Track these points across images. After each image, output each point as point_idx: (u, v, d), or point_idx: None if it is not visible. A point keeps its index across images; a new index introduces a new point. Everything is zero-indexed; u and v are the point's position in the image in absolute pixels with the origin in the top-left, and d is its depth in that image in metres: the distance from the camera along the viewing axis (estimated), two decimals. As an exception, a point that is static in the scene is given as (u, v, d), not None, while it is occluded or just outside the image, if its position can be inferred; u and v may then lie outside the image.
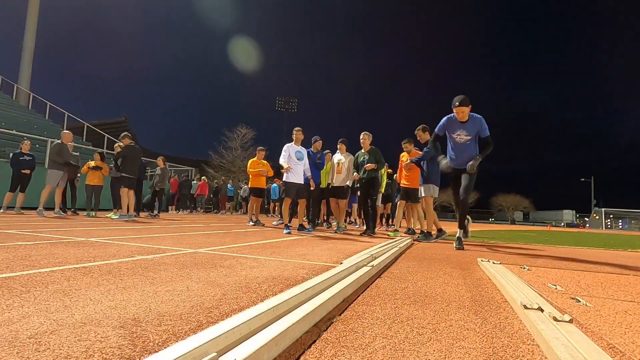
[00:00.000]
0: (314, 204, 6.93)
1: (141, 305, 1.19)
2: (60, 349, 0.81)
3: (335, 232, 5.83)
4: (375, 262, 2.29)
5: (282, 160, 5.39)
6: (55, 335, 0.89)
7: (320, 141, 6.50)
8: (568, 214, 60.46)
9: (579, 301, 1.65)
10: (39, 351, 0.80)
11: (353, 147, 6.56)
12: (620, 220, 44.95)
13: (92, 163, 8.05)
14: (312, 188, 5.94)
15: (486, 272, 2.33)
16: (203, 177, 16.03)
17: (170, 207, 14.31)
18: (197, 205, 15.05)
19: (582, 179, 49.24)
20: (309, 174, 5.72)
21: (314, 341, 0.98)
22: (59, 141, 7.35)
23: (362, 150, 5.90)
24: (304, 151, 5.66)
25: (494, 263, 2.56)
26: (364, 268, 2.05)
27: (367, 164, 5.66)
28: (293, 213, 7.50)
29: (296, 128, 5.67)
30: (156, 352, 0.79)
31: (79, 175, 8.32)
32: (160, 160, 9.64)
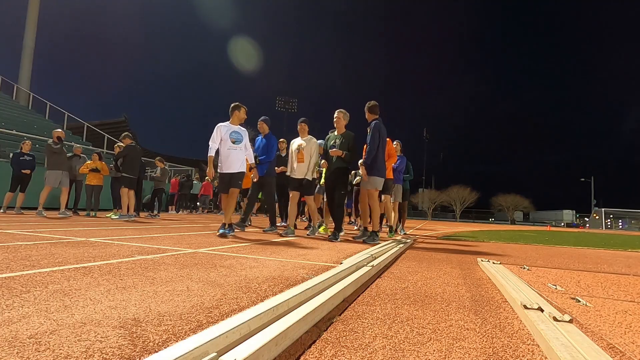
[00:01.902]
0: (262, 199, 5.67)
1: (141, 305, 1.19)
2: (60, 349, 0.81)
3: (308, 235, 4.76)
4: (375, 262, 2.29)
5: (211, 146, 4.21)
6: (55, 335, 0.89)
7: (264, 123, 5.33)
8: (568, 214, 60.46)
9: (579, 301, 1.65)
10: (39, 351, 0.80)
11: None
12: (620, 220, 44.93)
13: (90, 163, 8.05)
14: (255, 179, 4.96)
15: (486, 272, 2.33)
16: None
17: (170, 207, 14.30)
18: (198, 205, 15.03)
19: (582, 179, 49.29)
20: (252, 160, 4.61)
21: (314, 341, 0.98)
22: (53, 141, 7.26)
23: (335, 133, 4.66)
24: (243, 132, 4.44)
25: (494, 263, 2.56)
26: (364, 268, 2.05)
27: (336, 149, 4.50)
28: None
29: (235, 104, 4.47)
30: (156, 352, 0.79)
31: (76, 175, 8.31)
32: (158, 161, 9.64)
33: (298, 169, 4.90)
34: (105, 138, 16.63)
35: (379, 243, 3.92)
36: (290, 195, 4.93)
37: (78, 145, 9.13)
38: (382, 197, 5.39)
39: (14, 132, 11.48)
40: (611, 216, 44.29)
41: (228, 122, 4.35)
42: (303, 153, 4.84)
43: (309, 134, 5.03)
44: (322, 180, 5.81)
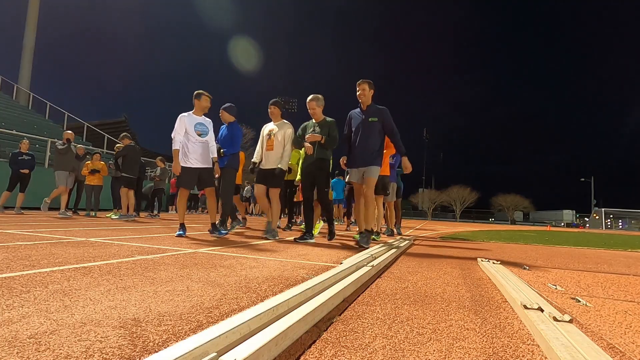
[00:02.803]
0: (224, 197, 4.65)
1: (141, 305, 1.19)
2: (60, 349, 0.81)
3: (266, 238, 4.01)
4: (375, 262, 2.29)
5: (175, 138, 3.86)
6: (55, 335, 0.89)
7: (226, 112, 4.64)
8: (568, 214, 60.48)
9: (579, 301, 1.65)
10: (39, 351, 0.80)
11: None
12: (620, 220, 44.92)
13: (90, 164, 8.05)
14: (216, 175, 4.34)
15: (486, 272, 2.33)
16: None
17: (170, 207, 14.30)
18: (198, 205, 15.01)
19: (582, 179, 49.28)
20: (214, 153, 4.17)
21: (314, 341, 0.98)
22: (60, 142, 7.31)
23: (313, 121, 4.10)
24: (208, 123, 4.11)
25: (494, 263, 2.56)
26: (364, 268, 2.05)
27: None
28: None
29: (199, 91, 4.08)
30: (156, 352, 0.79)
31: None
32: (159, 161, 9.65)
33: (268, 158, 4.23)
34: (105, 138, 16.63)
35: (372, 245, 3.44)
36: (255, 190, 4.31)
37: (80, 145, 9.15)
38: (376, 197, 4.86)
39: (13, 132, 11.48)
40: (611, 216, 44.29)
41: (190, 112, 4.02)
42: (274, 140, 4.21)
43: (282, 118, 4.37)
44: (298, 177, 5.22)
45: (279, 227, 5.42)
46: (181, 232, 3.88)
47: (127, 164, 6.78)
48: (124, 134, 7.25)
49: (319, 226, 5.09)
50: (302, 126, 4.19)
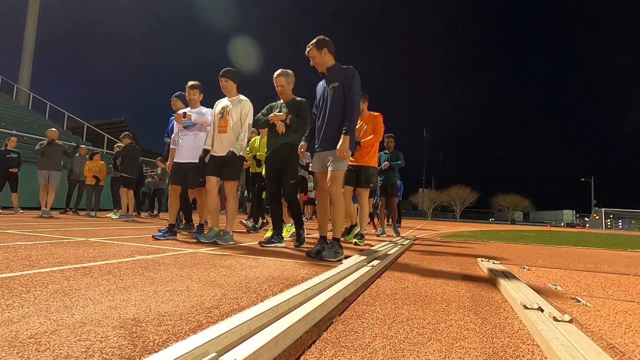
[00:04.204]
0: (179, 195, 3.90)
1: (141, 305, 1.19)
2: (60, 349, 0.81)
3: (199, 240, 3.30)
4: (375, 262, 2.29)
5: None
6: (55, 335, 0.89)
7: (177, 99, 4.31)
8: (568, 214, 60.47)
9: (579, 301, 1.65)
10: (39, 351, 0.80)
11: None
12: (620, 220, 44.90)
13: (91, 164, 8.05)
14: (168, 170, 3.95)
15: (486, 272, 2.33)
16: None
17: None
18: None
19: (582, 179, 49.29)
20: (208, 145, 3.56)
21: (314, 341, 0.98)
22: (39, 143, 7.26)
23: (280, 101, 3.39)
24: (196, 112, 3.76)
25: (494, 263, 2.56)
26: (364, 268, 2.05)
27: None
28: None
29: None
30: (156, 352, 0.79)
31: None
32: (159, 161, 9.65)
33: (222, 143, 3.46)
34: (105, 138, 16.63)
35: (341, 260, 2.50)
36: (207, 185, 3.50)
37: (82, 145, 9.15)
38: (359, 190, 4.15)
39: (14, 132, 11.49)
40: (611, 216, 44.28)
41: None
42: (228, 119, 3.43)
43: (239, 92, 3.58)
44: (264, 170, 4.22)
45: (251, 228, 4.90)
46: (161, 234, 3.42)
47: (126, 164, 6.78)
48: (125, 133, 7.24)
49: (292, 229, 4.05)
50: (267, 106, 3.49)
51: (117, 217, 7.01)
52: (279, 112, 3.28)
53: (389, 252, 2.91)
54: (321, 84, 2.95)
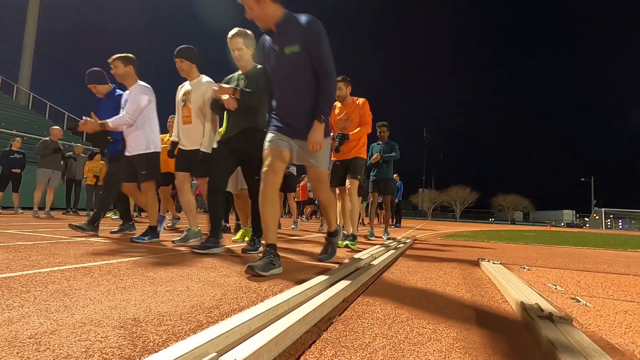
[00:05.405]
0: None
1: (141, 305, 1.19)
2: (60, 349, 0.81)
3: (145, 240, 3.05)
4: (375, 262, 2.29)
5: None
6: (55, 335, 0.89)
7: (93, 85, 3.59)
8: (568, 214, 60.52)
9: (579, 301, 1.65)
10: (39, 351, 0.80)
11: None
12: (620, 220, 44.92)
13: (91, 164, 8.05)
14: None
15: (486, 272, 2.33)
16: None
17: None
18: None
19: (582, 179, 49.33)
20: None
21: (314, 341, 0.98)
22: (47, 138, 7.26)
23: (239, 72, 2.76)
24: (126, 94, 3.30)
25: (494, 263, 2.56)
26: (364, 268, 2.05)
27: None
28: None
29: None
30: (156, 352, 0.79)
31: (85, 177, 8.30)
32: None
33: (188, 135, 3.03)
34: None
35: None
36: (176, 181, 3.12)
37: (79, 145, 9.14)
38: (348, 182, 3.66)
39: (14, 132, 11.48)
40: (611, 216, 44.29)
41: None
42: (191, 107, 2.97)
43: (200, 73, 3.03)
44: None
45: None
46: (143, 237, 3.04)
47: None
48: None
49: (249, 232, 3.50)
50: (224, 80, 2.79)
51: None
52: (235, 86, 2.60)
53: (389, 252, 2.91)
54: (267, 44, 2.07)
